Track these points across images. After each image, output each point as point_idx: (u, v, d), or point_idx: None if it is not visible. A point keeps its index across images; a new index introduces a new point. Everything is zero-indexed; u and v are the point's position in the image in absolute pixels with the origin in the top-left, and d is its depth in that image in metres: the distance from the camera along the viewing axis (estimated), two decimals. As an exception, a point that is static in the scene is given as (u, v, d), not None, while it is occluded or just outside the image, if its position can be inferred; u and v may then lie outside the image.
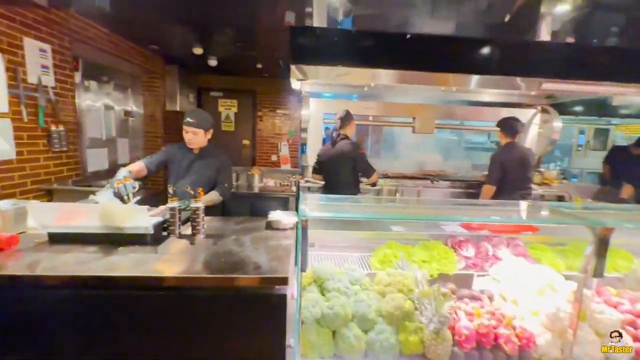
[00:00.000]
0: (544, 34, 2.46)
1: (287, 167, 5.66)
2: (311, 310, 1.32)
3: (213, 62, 4.34)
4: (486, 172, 3.03)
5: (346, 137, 2.87)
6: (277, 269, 1.25)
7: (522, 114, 3.71)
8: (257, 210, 3.78)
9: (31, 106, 2.38)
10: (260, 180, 4.12)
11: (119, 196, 1.79)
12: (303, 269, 1.25)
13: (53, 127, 2.56)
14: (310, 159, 3.97)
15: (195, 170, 2.22)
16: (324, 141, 5.51)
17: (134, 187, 1.88)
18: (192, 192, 1.69)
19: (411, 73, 2.39)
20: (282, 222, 1.85)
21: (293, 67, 2.63)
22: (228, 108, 5.56)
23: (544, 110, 3.80)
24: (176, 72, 4.49)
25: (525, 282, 1.46)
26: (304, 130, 3.68)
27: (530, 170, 2.95)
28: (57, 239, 1.54)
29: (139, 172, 2.07)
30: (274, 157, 5.78)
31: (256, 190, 3.76)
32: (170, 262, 1.36)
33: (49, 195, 2.54)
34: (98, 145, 3.45)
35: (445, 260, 1.57)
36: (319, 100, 3.86)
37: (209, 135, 2.25)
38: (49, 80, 2.54)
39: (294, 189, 3.72)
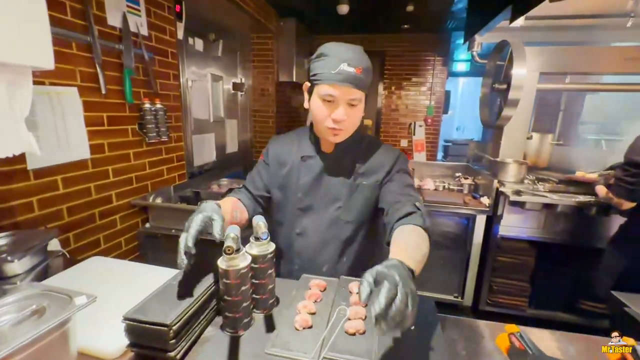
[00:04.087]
0: None
1: (421, 155, 4.20)
2: None
3: (344, 9, 3.05)
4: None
5: None
6: None
7: None
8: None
9: (112, 68, 1.41)
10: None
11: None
12: None
13: (147, 105, 1.59)
14: (511, 149, 2.45)
15: (331, 190, 0.94)
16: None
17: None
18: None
19: None
20: None
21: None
22: (347, 78, 4.27)
23: None
24: (293, 28, 3.32)
25: None
26: (512, 104, 2.14)
27: None
28: None
29: (235, 220, 0.91)
30: (403, 143, 4.36)
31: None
32: None
33: (143, 213, 1.63)
34: (204, 130, 2.53)
35: None
36: (535, 51, 2.25)
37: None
38: (141, 24, 1.55)
39: (486, 201, 2.24)
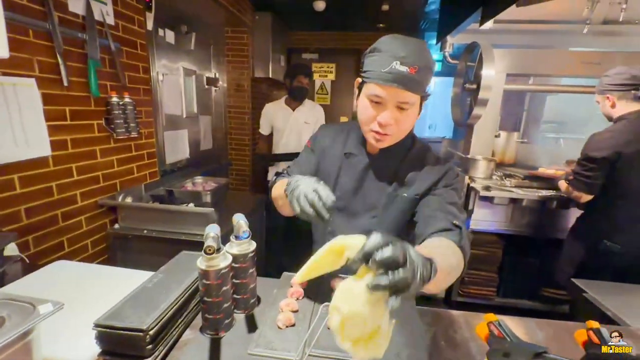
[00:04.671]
0: None
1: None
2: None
3: (321, 5, 3.04)
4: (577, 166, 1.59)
5: None
6: None
7: None
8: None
9: (76, 59, 1.31)
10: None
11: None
12: None
13: (115, 99, 1.50)
14: (481, 147, 2.55)
15: (370, 196, 0.90)
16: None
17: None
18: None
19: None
20: None
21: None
22: (324, 75, 4.26)
23: None
24: (269, 23, 3.27)
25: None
26: (481, 103, 2.24)
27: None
28: None
29: None
30: (378, 140, 4.41)
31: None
32: None
33: (112, 213, 1.54)
34: (177, 126, 2.44)
35: None
36: (502, 53, 2.36)
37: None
38: (107, 13, 1.46)
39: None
